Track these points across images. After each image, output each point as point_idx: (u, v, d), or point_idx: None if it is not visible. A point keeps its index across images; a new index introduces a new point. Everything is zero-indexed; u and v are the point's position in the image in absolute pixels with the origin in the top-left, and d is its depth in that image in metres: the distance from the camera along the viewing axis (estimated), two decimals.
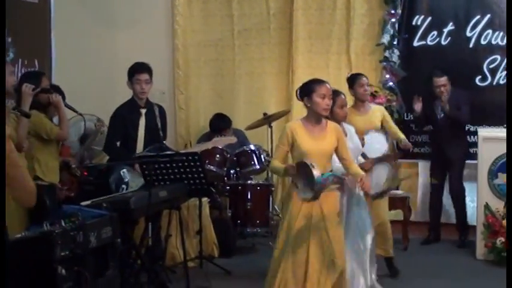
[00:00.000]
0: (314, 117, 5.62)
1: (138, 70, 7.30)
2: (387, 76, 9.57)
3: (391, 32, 9.60)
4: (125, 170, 6.99)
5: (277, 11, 10.15)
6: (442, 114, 8.82)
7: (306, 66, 10.01)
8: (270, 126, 9.10)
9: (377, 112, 7.63)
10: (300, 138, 5.54)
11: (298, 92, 5.71)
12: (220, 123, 9.14)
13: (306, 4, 9.99)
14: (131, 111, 7.34)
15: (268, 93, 10.22)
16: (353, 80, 7.59)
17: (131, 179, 6.96)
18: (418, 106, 8.87)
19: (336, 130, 5.67)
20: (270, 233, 8.73)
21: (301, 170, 5.27)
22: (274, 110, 9.66)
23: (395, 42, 9.63)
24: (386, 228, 7.21)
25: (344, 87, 9.44)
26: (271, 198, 8.79)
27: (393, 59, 9.57)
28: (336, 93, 6.05)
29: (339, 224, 5.69)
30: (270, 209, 8.75)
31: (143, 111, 7.34)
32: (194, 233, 7.80)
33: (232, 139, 7.96)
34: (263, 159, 8.72)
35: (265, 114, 9.23)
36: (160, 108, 7.53)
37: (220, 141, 7.93)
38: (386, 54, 9.59)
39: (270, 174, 9.13)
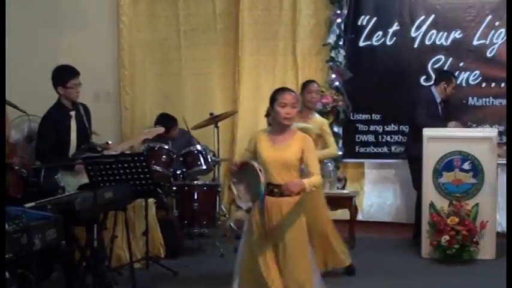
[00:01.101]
0: (278, 126, 5.47)
1: (73, 74, 7.13)
2: (333, 76, 9.62)
3: (337, 32, 9.65)
4: (58, 174, 6.87)
5: (224, 11, 10.12)
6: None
7: (253, 66, 10.00)
8: (217, 127, 9.08)
9: (317, 123, 7.44)
10: (260, 146, 5.44)
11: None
12: (165, 123, 9.07)
13: (252, 4, 9.98)
14: (62, 115, 7.15)
15: (214, 94, 10.18)
16: (303, 86, 7.63)
17: (66, 182, 6.85)
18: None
19: (302, 141, 5.46)
20: (217, 234, 8.73)
21: (247, 170, 5.23)
22: (220, 110, 9.62)
23: (341, 43, 9.67)
24: (327, 239, 7.26)
25: (291, 87, 9.53)
26: (218, 199, 8.74)
27: (339, 59, 9.61)
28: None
29: (302, 231, 5.49)
30: (217, 210, 8.71)
31: (72, 113, 7.17)
32: (140, 234, 7.76)
33: (160, 129, 7.91)
34: (210, 160, 8.70)
35: (211, 114, 9.20)
36: (85, 106, 7.35)
37: (149, 133, 7.83)
38: (333, 54, 9.64)
39: (216, 174, 9.11)
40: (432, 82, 9.17)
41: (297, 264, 5.40)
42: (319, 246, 6.99)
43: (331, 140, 7.53)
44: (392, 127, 9.62)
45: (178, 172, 8.82)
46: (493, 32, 9.40)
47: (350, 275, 7.48)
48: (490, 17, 9.41)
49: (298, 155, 5.41)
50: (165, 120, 9.16)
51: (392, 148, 9.68)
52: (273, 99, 5.45)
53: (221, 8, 10.10)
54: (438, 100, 8.87)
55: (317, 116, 7.64)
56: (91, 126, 7.37)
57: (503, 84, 9.36)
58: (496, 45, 9.39)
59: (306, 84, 7.64)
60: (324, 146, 7.45)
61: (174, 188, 8.67)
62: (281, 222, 5.36)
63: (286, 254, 5.36)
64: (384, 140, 9.69)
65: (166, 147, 8.31)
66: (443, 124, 8.62)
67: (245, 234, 5.71)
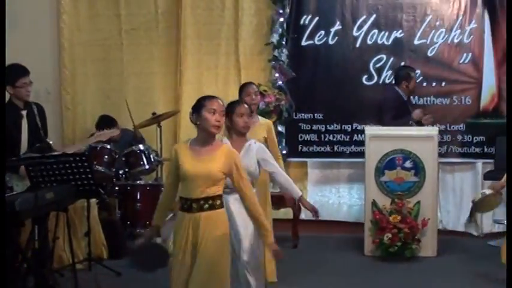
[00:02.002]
0: (203, 137, 5.08)
1: (23, 73, 7.04)
2: (276, 75, 9.63)
3: (280, 31, 9.65)
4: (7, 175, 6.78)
5: (165, 10, 10.04)
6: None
7: (195, 66, 9.95)
8: (159, 126, 9.02)
9: (264, 125, 7.21)
10: (182, 159, 5.05)
11: (190, 114, 5.17)
12: (105, 124, 8.95)
13: (194, 4, 9.92)
14: (12, 114, 7.06)
15: (157, 93, 10.10)
16: (241, 89, 7.35)
17: (15, 182, 6.76)
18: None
19: (228, 155, 5.09)
20: (160, 234, 8.68)
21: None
22: (163, 110, 9.56)
23: (284, 42, 9.68)
24: None
25: (233, 87, 9.57)
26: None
27: (282, 59, 9.62)
28: (237, 102, 6.01)
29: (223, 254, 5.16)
30: None
31: (24, 112, 7.08)
32: (82, 235, 7.69)
33: (115, 131, 7.84)
34: (152, 159, 8.66)
35: (154, 113, 9.15)
36: (38, 106, 7.27)
37: (103, 135, 7.75)
38: (276, 53, 9.64)
39: (159, 174, 9.06)
40: (394, 82, 9.22)
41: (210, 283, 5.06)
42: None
43: (277, 148, 7.32)
44: (335, 126, 9.66)
45: (120, 172, 8.76)
46: (433, 31, 9.50)
47: None
48: (430, 17, 9.51)
49: (224, 170, 5.05)
50: (106, 122, 9.05)
51: (335, 147, 9.72)
52: (201, 105, 5.05)
53: (163, 7, 10.03)
54: (405, 98, 8.98)
55: (260, 118, 7.37)
56: (46, 126, 7.27)
57: (444, 83, 9.49)
58: (437, 45, 9.50)
59: (244, 87, 7.33)
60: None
61: (117, 188, 8.63)
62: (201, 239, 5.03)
63: (200, 270, 5.01)
64: (326, 139, 9.72)
65: (109, 147, 8.25)
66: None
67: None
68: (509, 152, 4.80)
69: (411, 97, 9.37)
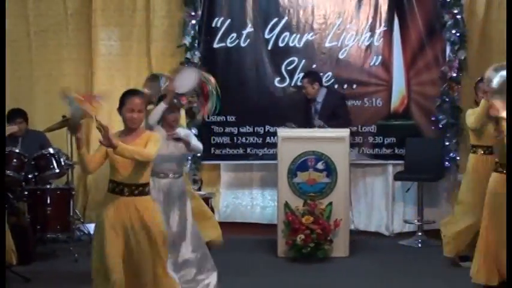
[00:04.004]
0: (127, 128, 5.51)
1: None
2: None
3: (192, 33, 9.61)
4: None
5: (75, 11, 9.89)
6: (317, 117, 8.99)
7: (106, 68, 9.84)
8: None
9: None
10: None
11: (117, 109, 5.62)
12: (12, 118, 8.74)
13: (104, 5, 9.80)
14: None
15: None
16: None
17: None
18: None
19: (147, 137, 5.49)
20: (71, 238, 8.57)
21: None
22: None
23: (196, 44, 9.64)
24: None
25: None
26: (71, 203, 8.58)
27: (194, 61, 9.58)
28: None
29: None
30: (71, 214, 8.56)
31: None
32: None
33: (13, 128, 7.69)
34: (63, 163, 8.52)
35: (64, 117, 8.98)
36: None
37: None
38: (188, 55, 9.59)
39: (70, 178, 8.92)
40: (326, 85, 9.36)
41: (145, 267, 5.43)
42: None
43: None
44: (247, 128, 9.67)
45: (30, 176, 8.58)
46: (344, 34, 9.59)
47: None
48: (340, 19, 9.60)
49: None
50: (13, 115, 8.83)
51: (248, 149, 9.73)
52: (121, 103, 5.50)
53: (72, 8, 9.88)
54: None
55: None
56: None
57: (355, 86, 9.60)
58: (348, 48, 9.61)
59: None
60: None
61: (26, 193, 8.45)
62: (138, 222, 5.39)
63: (134, 254, 5.38)
64: (239, 142, 9.73)
65: (17, 150, 8.10)
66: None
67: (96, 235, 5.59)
68: (509, 152, 4.86)
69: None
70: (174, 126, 6.56)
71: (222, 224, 9.31)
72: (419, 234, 9.16)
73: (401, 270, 7.90)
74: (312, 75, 9.13)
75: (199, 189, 9.02)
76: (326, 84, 9.42)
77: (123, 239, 5.34)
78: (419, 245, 9.04)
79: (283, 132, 8.55)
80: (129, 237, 5.35)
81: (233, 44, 9.72)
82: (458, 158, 9.42)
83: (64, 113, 9.07)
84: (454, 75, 9.35)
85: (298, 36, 9.67)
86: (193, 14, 9.62)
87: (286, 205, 8.41)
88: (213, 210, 8.96)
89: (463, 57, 9.36)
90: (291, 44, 9.68)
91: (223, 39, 9.72)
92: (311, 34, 9.66)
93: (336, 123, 8.73)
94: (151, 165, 5.51)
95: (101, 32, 9.83)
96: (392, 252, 8.79)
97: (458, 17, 9.34)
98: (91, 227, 8.66)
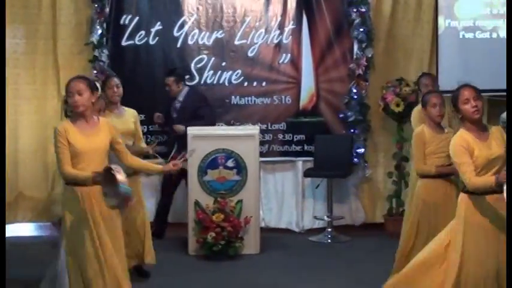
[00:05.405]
0: (75, 114, 5.38)
1: None
2: (95, 72, 9.42)
3: (100, 31, 9.50)
4: None
5: None
6: (175, 115, 8.98)
7: (12, 66, 9.61)
8: None
9: (131, 114, 7.53)
10: (72, 137, 5.26)
11: None
12: None
13: (9, 2, 9.44)
14: None
15: None
16: (103, 82, 7.44)
17: None
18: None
19: (108, 125, 5.51)
20: None
21: (107, 175, 5.10)
22: None
23: (104, 42, 9.53)
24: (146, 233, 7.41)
25: (52, 87, 9.41)
26: None
27: (102, 59, 9.47)
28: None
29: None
30: None
31: None
32: None
33: None
34: None
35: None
36: None
37: None
38: (96, 53, 9.47)
39: None
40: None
41: (117, 259, 5.43)
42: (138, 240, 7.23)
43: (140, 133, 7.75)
44: (157, 127, 9.58)
45: None
46: (253, 32, 9.63)
47: (144, 276, 7.48)
48: (249, 17, 9.64)
49: (109, 139, 5.47)
50: None
51: (158, 148, 9.63)
52: (66, 91, 5.38)
53: None
54: None
55: (126, 108, 7.54)
56: None
57: (264, 83, 9.65)
58: (257, 45, 9.65)
59: (106, 81, 7.49)
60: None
61: None
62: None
63: (107, 248, 5.36)
64: (148, 140, 9.56)
65: None
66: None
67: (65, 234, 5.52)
68: (509, 152, 4.85)
69: (232, 96, 9.55)
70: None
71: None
72: (329, 230, 9.26)
73: (311, 266, 7.97)
74: (178, 74, 9.18)
75: None
76: (190, 84, 9.48)
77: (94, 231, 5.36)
78: (329, 241, 9.14)
79: (193, 130, 8.52)
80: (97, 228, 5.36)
81: (142, 42, 9.65)
82: (365, 154, 9.59)
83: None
84: (362, 72, 9.48)
85: (208, 33, 9.66)
86: (100, 11, 9.50)
87: (197, 203, 8.39)
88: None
89: (370, 55, 9.50)
90: (200, 42, 9.67)
91: (131, 36, 9.64)
92: (220, 32, 9.67)
93: (200, 123, 8.79)
94: None
95: (6, 29, 9.61)
96: (303, 248, 8.86)
97: (366, 15, 9.48)
98: None
